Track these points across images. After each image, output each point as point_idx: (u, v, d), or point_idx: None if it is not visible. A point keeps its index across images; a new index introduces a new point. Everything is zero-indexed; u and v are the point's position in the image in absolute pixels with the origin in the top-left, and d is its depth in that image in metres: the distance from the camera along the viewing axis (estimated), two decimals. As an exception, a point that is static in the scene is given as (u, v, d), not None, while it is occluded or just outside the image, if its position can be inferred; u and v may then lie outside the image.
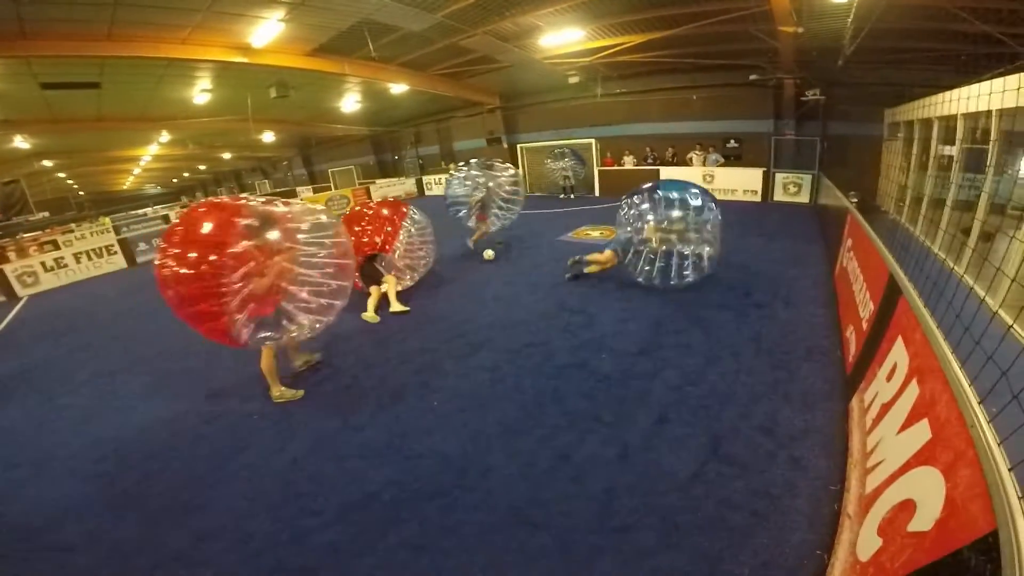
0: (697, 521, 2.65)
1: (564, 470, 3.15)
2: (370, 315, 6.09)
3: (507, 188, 9.08)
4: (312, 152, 29.75)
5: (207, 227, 3.76)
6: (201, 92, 13.81)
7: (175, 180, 40.63)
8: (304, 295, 4.16)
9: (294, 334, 4.19)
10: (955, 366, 2.05)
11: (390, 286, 6.45)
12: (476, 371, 4.58)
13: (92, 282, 11.46)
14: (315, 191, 22.62)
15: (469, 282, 7.49)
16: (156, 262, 3.75)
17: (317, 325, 4.32)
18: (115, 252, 12.58)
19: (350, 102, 17.79)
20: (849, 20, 8.08)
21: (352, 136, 24.94)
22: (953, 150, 7.50)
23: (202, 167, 34.11)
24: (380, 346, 5.37)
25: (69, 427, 4.41)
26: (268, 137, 21.93)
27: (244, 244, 3.73)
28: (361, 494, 3.12)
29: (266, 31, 9.87)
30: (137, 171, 30.36)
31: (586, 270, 7.02)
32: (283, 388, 4.41)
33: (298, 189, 23.85)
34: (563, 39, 11.35)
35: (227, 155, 28.49)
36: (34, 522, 3.18)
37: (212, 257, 3.65)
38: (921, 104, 9.03)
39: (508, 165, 9.45)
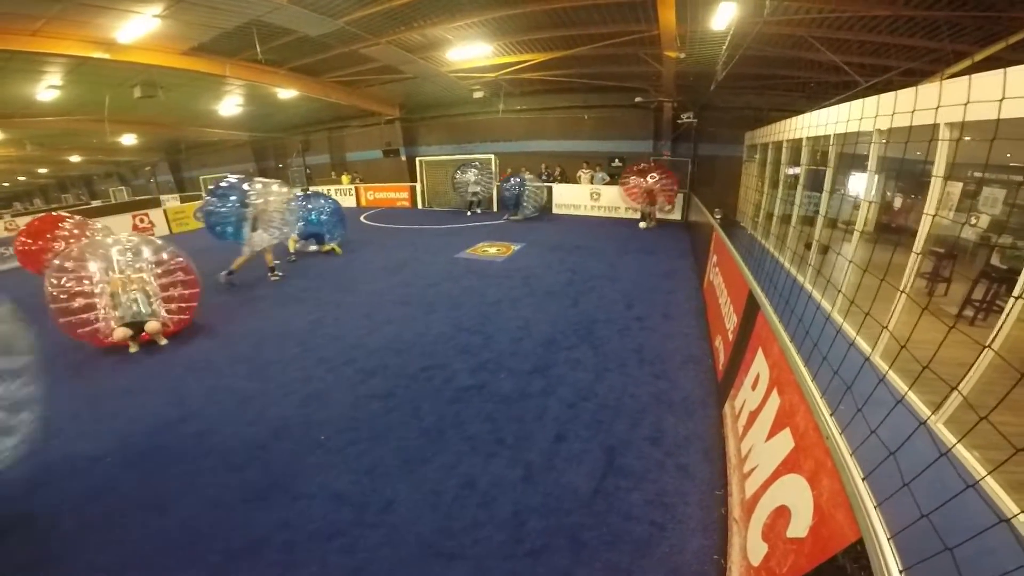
0: (604, 537, 2.71)
1: (471, 497, 3.07)
2: None
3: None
4: (181, 157, 26.73)
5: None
6: (48, 88, 11.80)
7: (6, 184, 34.39)
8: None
9: None
10: (808, 378, 2.20)
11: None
12: (368, 400, 4.30)
13: None
14: (183, 200, 20.31)
15: (358, 303, 7.05)
16: None
17: None
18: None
19: (230, 105, 16.23)
20: (724, 47, 8.69)
21: (230, 141, 22.82)
22: (798, 170, 8.50)
23: (43, 170, 29.27)
24: (256, 377, 4.84)
25: None
26: (128, 140, 19.33)
27: None
28: (247, 540, 2.79)
29: (136, 26, 8.57)
30: (-49, 174, 25.26)
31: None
32: None
33: (163, 197, 21.27)
34: (471, 53, 11.27)
35: (76, 158, 24.70)
36: None
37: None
38: (773, 129, 10.20)
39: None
